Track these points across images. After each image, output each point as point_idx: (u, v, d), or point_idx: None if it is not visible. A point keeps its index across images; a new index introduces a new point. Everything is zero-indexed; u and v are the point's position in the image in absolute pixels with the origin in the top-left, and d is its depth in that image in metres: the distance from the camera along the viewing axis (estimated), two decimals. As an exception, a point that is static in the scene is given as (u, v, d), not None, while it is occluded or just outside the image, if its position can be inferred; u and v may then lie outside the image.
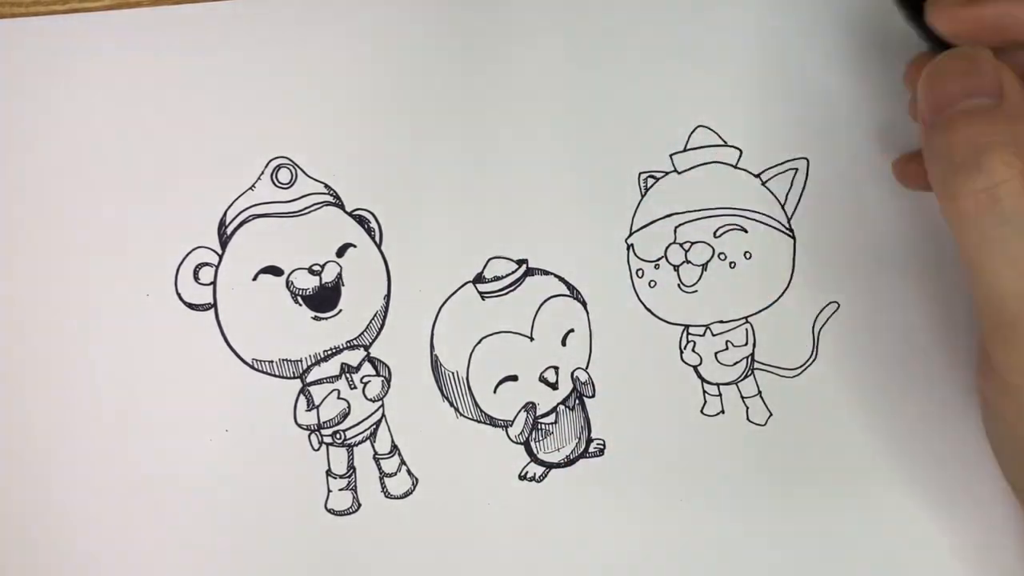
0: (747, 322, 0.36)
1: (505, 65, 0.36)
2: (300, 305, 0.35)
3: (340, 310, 0.35)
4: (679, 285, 0.36)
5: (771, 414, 0.35)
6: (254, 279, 0.35)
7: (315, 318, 0.35)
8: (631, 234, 0.36)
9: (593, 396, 0.35)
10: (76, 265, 0.35)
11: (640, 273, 0.36)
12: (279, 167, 0.36)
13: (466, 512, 0.35)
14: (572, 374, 0.35)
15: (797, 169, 0.36)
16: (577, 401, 0.35)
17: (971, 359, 0.34)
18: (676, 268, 0.36)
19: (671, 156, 0.36)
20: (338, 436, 0.35)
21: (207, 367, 0.35)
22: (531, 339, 0.35)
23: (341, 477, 0.35)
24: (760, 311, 0.36)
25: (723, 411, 0.35)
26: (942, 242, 0.35)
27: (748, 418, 0.35)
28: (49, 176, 0.36)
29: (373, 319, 0.35)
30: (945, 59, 0.28)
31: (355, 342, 0.35)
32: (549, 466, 0.35)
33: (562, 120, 0.36)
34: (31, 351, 0.35)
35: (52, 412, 0.35)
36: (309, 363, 0.35)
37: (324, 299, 0.35)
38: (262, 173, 0.36)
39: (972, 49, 0.27)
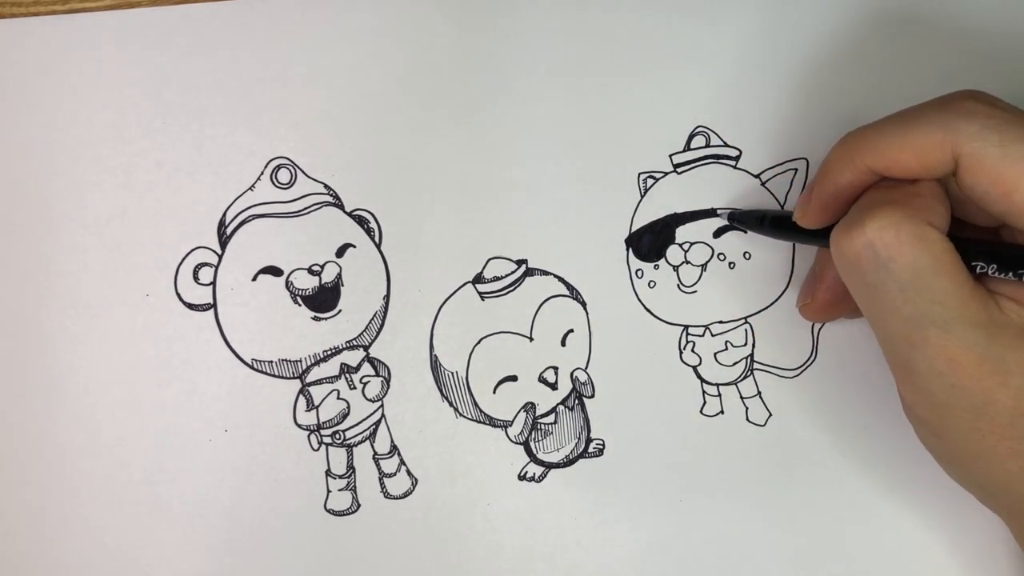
0: (747, 322, 0.36)
1: (505, 66, 0.36)
2: (300, 305, 0.35)
3: (340, 310, 0.35)
4: (678, 285, 0.36)
5: (770, 414, 0.35)
6: (254, 279, 0.35)
7: (315, 318, 0.35)
8: (631, 234, 0.36)
9: (592, 396, 0.35)
10: (76, 265, 0.35)
11: (639, 273, 0.36)
12: (279, 167, 0.36)
13: (466, 512, 0.35)
14: (572, 374, 0.35)
15: (797, 169, 0.36)
16: (577, 401, 0.35)
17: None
18: (676, 268, 0.36)
19: (671, 156, 0.36)
20: (338, 436, 0.35)
21: (207, 367, 0.35)
22: (531, 339, 0.35)
23: (341, 477, 0.35)
24: (760, 311, 0.36)
25: (723, 411, 0.35)
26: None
27: (748, 418, 0.35)
28: (49, 176, 0.36)
29: (373, 319, 0.35)
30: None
31: (355, 342, 0.35)
32: (548, 466, 0.35)
33: (562, 120, 0.36)
34: (31, 351, 0.35)
35: (52, 412, 0.35)
36: (309, 363, 0.35)
37: (324, 299, 0.35)
38: (262, 173, 0.36)
39: None
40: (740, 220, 0.35)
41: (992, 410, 0.26)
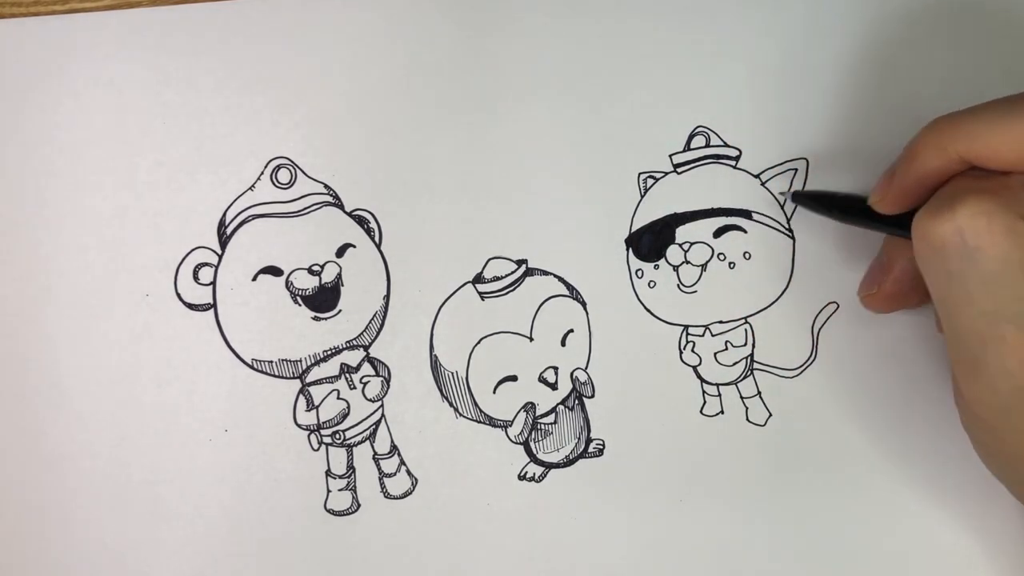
0: (746, 322, 0.36)
1: (505, 65, 0.36)
2: (300, 305, 0.35)
3: (340, 310, 0.35)
4: (678, 285, 0.36)
5: (770, 414, 0.35)
6: (254, 279, 0.35)
7: (315, 318, 0.35)
8: (631, 234, 0.36)
9: (592, 396, 0.35)
10: (76, 265, 0.35)
11: (639, 273, 0.36)
12: (279, 167, 0.36)
13: (466, 512, 0.35)
14: (571, 374, 0.35)
15: (797, 169, 0.36)
16: (576, 401, 0.35)
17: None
18: (676, 268, 0.36)
19: (671, 156, 0.36)
20: (337, 436, 0.35)
21: (207, 367, 0.35)
22: (531, 339, 0.35)
23: (341, 477, 0.35)
24: (760, 311, 0.36)
25: (722, 411, 0.35)
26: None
27: (747, 418, 0.35)
28: (49, 176, 0.36)
29: (373, 319, 0.35)
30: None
31: (355, 342, 0.35)
32: (548, 466, 0.35)
33: (562, 120, 0.36)
34: (31, 351, 0.35)
35: (52, 412, 0.35)
36: (309, 363, 0.35)
37: (324, 299, 0.35)
38: (262, 173, 0.36)
39: None
40: (807, 201, 0.34)
41: None
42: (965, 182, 0.28)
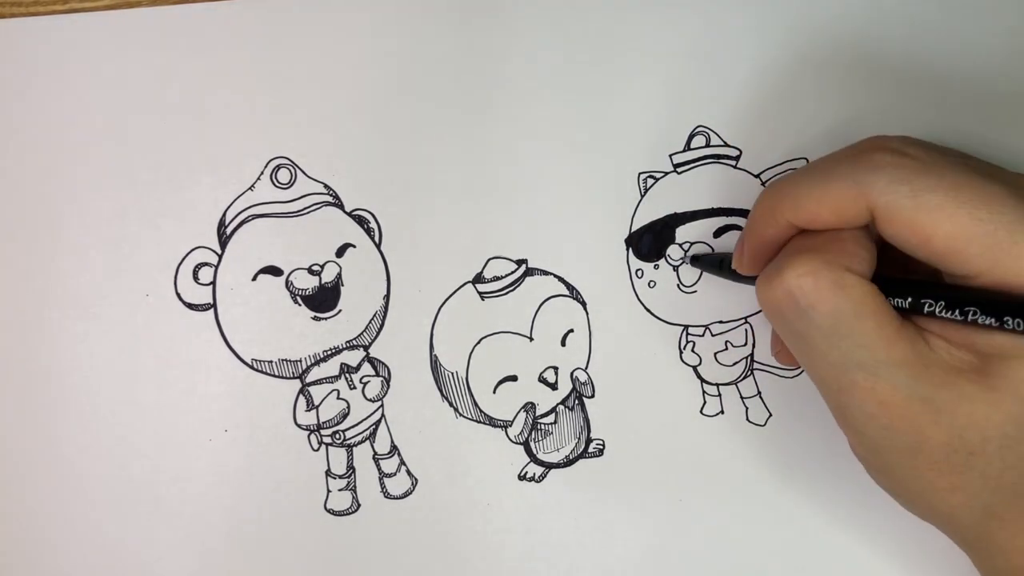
0: (747, 322, 0.36)
1: (505, 65, 0.36)
2: (300, 305, 0.35)
3: (340, 310, 0.35)
4: (678, 285, 0.36)
5: (770, 414, 0.35)
6: (254, 279, 0.35)
7: (315, 318, 0.35)
8: (631, 234, 0.36)
9: (592, 396, 0.35)
10: (76, 265, 0.35)
11: (639, 273, 0.36)
12: (279, 167, 0.36)
13: (466, 512, 0.35)
14: (572, 374, 0.35)
15: (797, 169, 0.35)
16: (576, 401, 0.35)
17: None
18: (676, 268, 0.36)
19: (671, 156, 0.36)
20: (337, 436, 0.35)
21: (207, 367, 0.35)
22: (531, 339, 0.35)
23: (341, 477, 0.35)
24: (760, 311, 0.36)
25: (723, 411, 0.35)
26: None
27: (747, 418, 0.35)
28: (49, 176, 0.36)
29: (373, 319, 0.35)
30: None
31: (355, 342, 0.35)
32: (548, 466, 0.35)
33: (562, 120, 0.36)
34: (32, 351, 0.35)
35: (52, 412, 0.35)
36: (309, 363, 0.35)
37: (324, 299, 0.35)
38: (262, 173, 0.36)
39: None
40: (702, 263, 0.35)
41: (927, 448, 0.26)
42: (796, 243, 0.29)
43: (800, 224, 0.28)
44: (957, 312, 0.26)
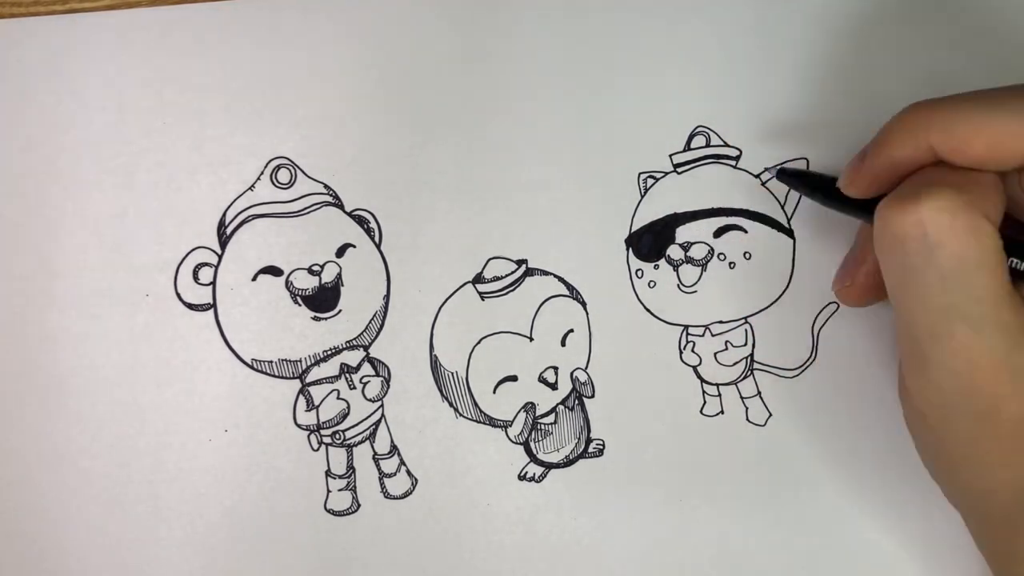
0: (746, 322, 0.36)
1: (505, 66, 0.36)
2: (300, 305, 0.35)
3: (339, 310, 0.35)
4: (678, 285, 0.36)
5: (770, 414, 0.35)
6: (254, 279, 0.35)
7: (315, 318, 0.35)
8: (631, 234, 0.36)
9: (592, 396, 0.35)
10: (76, 265, 0.35)
11: (639, 273, 0.36)
12: (279, 167, 0.36)
13: (466, 512, 0.35)
14: (572, 374, 0.35)
15: (797, 169, 0.36)
16: (576, 401, 0.35)
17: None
18: (676, 268, 0.36)
19: (671, 156, 0.36)
20: (337, 436, 0.35)
21: (207, 367, 0.35)
22: (531, 339, 0.35)
23: (341, 477, 0.35)
24: (760, 311, 0.36)
25: (722, 411, 0.35)
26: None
27: (747, 418, 0.35)
28: (49, 176, 0.36)
29: (372, 319, 0.35)
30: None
31: (354, 342, 0.35)
32: (548, 466, 0.35)
33: (562, 120, 0.36)
34: (31, 351, 0.35)
35: (52, 412, 0.35)
36: (309, 363, 0.35)
37: (324, 299, 0.35)
38: (262, 173, 0.36)
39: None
40: (789, 179, 0.33)
41: (997, 418, 0.26)
42: (935, 174, 0.27)
43: (944, 152, 0.27)
44: None
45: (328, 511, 0.35)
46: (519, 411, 0.35)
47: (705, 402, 0.35)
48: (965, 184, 0.26)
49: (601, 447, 0.35)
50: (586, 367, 0.35)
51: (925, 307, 0.26)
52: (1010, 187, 0.27)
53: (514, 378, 0.35)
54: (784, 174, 0.34)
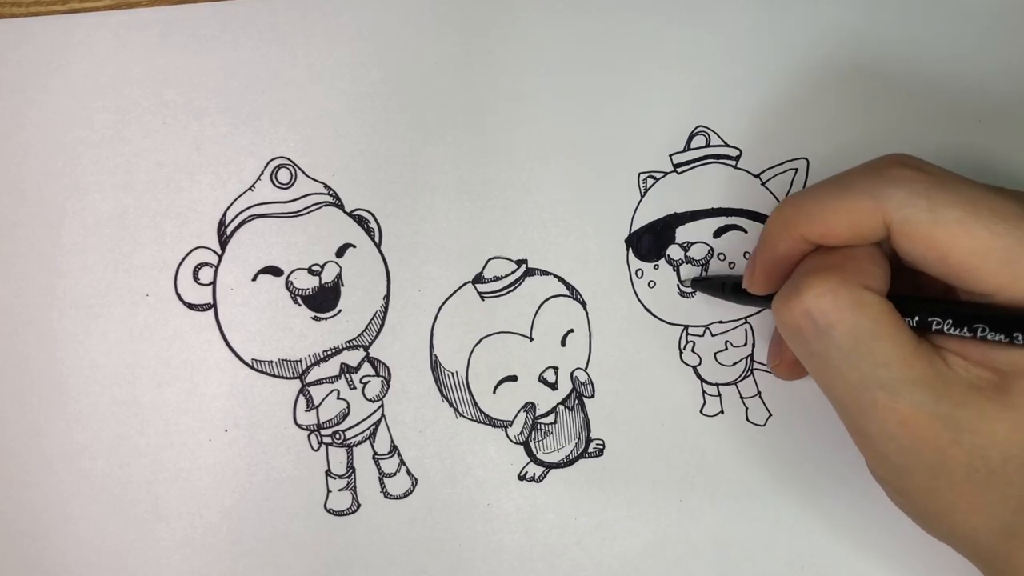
0: (747, 322, 0.36)
1: (505, 66, 0.36)
2: (300, 305, 0.35)
3: (340, 310, 0.35)
4: (678, 285, 0.36)
5: (770, 414, 0.35)
6: (254, 279, 0.35)
7: (315, 318, 0.35)
8: (631, 234, 0.36)
9: (592, 396, 0.35)
10: (76, 265, 0.35)
11: (639, 273, 0.36)
12: (279, 167, 0.36)
13: (466, 512, 0.35)
14: (571, 374, 0.35)
15: (797, 169, 0.36)
16: (576, 401, 0.35)
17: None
18: (676, 268, 0.36)
19: (671, 156, 0.36)
20: (337, 436, 0.35)
21: (207, 367, 0.35)
22: (531, 339, 0.35)
23: (341, 477, 0.35)
24: (760, 311, 0.36)
25: (722, 411, 0.35)
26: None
27: (747, 418, 0.35)
28: (49, 176, 0.36)
29: (373, 319, 0.35)
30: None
31: (355, 342, 0.35)
32: (548, 466, 0.35)
33: (562, 120, 0.36)
34: (32, 351, 0.35)
35: (52, 412, 0.35)
36: (309, 363, 0.35)
37: (324, 299, 0.35)
38: (262, 173, 0.36)
39: None
40: (703, 286, 0.35)
41: (948, 467, 0.26)
42: (814, 261, 0.28)
43: (814, 239, 0.28)
44: (966, 329, 0.26)
45: (328, 511, 0.35)
46: (519, 411, 0.35)
47: (705, 402, 0.35)
48: (842, 263, 0.27)
49: (601, 447, 0.35)
50: (586, 367, 0.35)
51: (843, 385, 0.27)
52: (890, 251, 0.28)
53: (514, 378, 0.35)
54: (697, 282, 0.35)
